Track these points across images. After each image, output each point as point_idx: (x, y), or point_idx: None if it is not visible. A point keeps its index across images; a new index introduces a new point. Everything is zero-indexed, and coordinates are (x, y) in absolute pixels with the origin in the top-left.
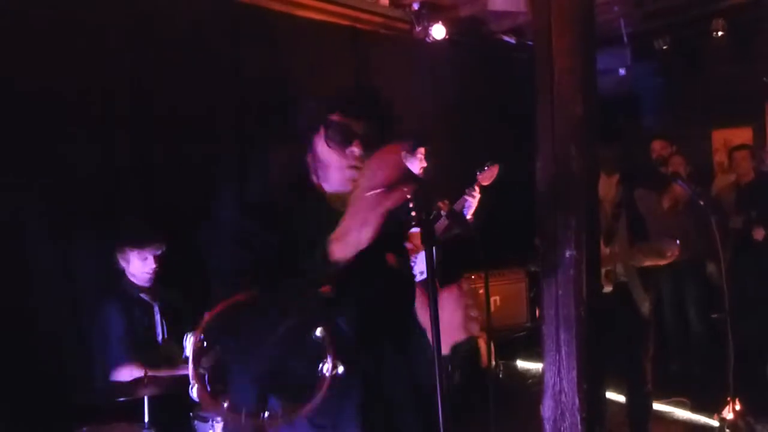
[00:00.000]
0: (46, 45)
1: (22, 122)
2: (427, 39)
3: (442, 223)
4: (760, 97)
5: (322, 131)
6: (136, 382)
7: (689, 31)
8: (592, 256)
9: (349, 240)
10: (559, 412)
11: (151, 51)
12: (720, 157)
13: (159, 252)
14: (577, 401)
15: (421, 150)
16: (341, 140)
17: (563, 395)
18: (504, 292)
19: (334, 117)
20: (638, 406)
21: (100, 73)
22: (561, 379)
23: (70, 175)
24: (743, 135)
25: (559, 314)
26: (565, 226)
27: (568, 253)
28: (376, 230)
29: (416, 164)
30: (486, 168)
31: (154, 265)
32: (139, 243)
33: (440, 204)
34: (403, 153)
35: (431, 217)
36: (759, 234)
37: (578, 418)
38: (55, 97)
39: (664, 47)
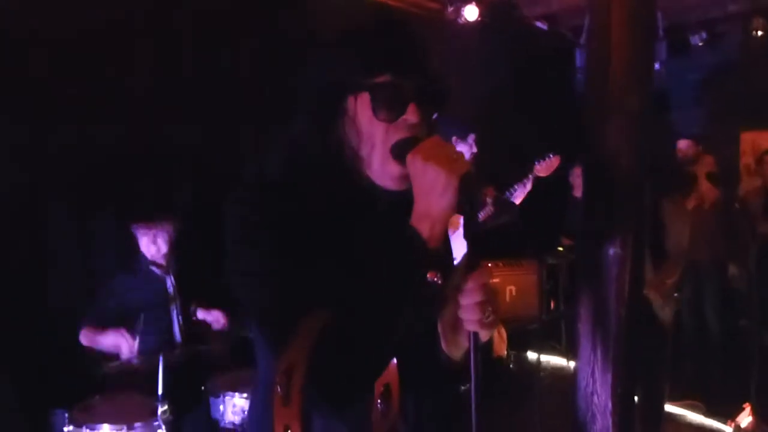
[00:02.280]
0: (67, 25)
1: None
2: (458, 20)
3: (487, 211)
4: None
5: (364, 98)
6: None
7: (727, 28)
8: (636, 255)
9: (434, 215)
10: (590, 414)
11: (175, 27)
12: (747, 159)
13: (170, 232)
14: (610, 404)
15: (472, 136)
16: (392, 108)
17: (595, 397)
18: (517, 283)
19: (381, 79)
20: (651, 409)
21: (118, 53)
22: (594, 381)
23: (88, 154)
24: None
25: (598, 313)
26: (610, 223)
27: (612, 251)
28: (456, 193)
29: (467, 150)
30: (547, 158)
31: (165, 249)
32: (147, 221)
33: (486, 192)
34: (454, 138)
35: (476, 207)
36: None
37: (610, 421)
38: (74, 77)
39: (700, 43)
